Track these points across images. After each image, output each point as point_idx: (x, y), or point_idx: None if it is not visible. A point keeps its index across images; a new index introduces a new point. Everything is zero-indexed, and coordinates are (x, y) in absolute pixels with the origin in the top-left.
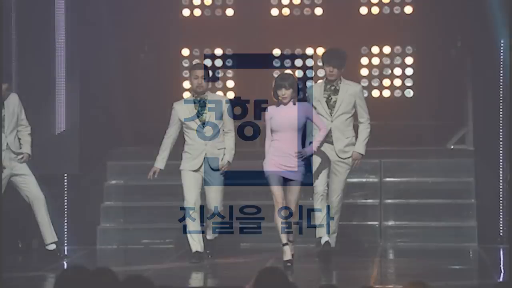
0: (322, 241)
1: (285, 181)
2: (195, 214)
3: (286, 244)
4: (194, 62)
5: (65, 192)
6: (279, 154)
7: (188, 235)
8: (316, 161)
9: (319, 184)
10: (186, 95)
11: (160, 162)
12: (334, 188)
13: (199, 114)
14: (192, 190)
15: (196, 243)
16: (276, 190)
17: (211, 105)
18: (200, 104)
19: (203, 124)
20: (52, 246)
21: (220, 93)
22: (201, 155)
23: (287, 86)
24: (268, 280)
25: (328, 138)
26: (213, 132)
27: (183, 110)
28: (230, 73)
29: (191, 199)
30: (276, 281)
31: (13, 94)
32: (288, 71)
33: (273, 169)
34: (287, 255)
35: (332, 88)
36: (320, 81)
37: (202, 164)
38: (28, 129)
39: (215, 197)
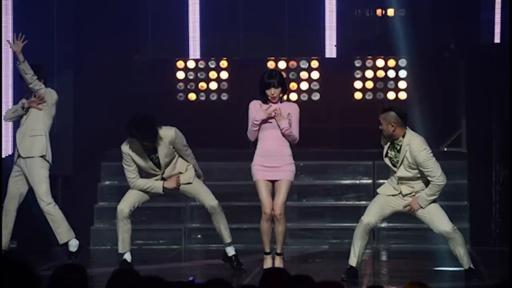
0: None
1: (273, 181)
2: None
3: (269, 253)
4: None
5: (59, 192)
6: (265, 154)
7: None
8: None
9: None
10: (180, 95)
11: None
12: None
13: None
14: None
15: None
16: (264, 198)
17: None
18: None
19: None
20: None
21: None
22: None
23: (276, 85)
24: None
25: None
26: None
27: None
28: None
29: None
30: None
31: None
32: None
33: (260, 176)
34: (268, 264)
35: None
36: None
37: None
38: None
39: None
